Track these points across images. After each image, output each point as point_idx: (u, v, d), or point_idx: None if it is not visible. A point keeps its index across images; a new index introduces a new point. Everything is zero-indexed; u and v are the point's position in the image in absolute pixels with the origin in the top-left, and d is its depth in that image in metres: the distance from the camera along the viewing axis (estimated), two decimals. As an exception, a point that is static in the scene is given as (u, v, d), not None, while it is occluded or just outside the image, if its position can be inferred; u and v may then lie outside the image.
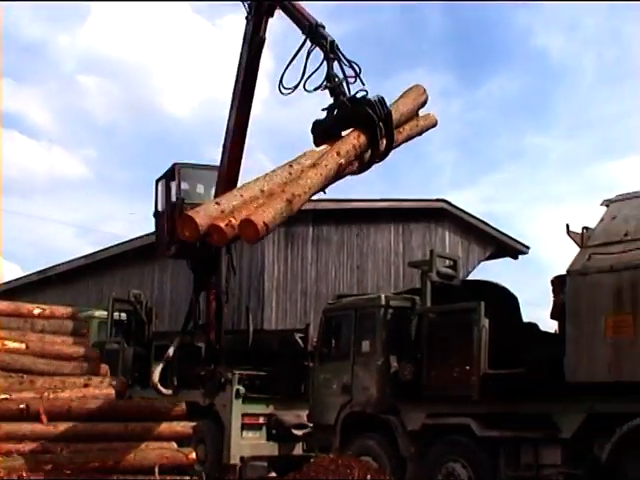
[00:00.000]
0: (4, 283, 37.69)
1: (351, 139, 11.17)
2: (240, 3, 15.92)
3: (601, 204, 13.07)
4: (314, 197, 10.79)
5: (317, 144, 11.45)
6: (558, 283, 12.66)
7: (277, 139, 64.05)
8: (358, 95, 11.70)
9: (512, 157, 61.51)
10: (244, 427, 17.48)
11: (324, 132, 11.57)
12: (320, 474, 11.52)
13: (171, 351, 18.60)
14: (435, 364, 13.80)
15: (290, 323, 24.73)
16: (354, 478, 11.32)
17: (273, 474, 17.80)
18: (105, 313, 22.23)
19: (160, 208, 20.48)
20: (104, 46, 64.23)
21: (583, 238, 12.57)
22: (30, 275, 36.90)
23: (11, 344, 13.56)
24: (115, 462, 12.18)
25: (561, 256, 14.29)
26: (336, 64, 12.09)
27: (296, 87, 12.10)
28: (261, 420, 17.75)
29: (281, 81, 12.31)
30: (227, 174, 17.46)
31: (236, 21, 58.40)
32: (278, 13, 14.87)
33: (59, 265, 34.67)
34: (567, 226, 12.71)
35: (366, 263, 27.99)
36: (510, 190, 60.06)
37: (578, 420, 11.87)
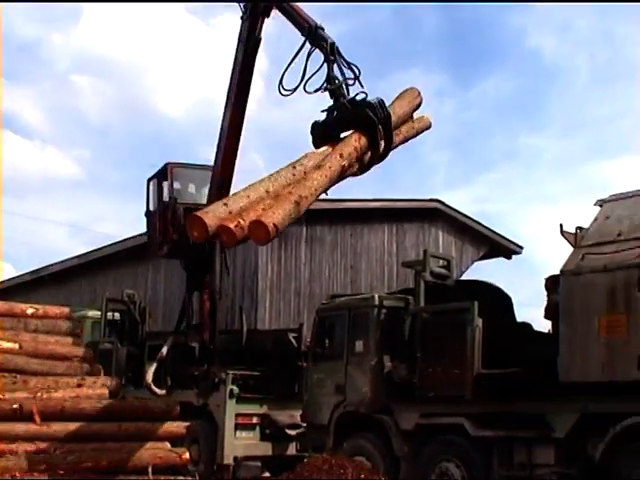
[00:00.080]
0: (-3, 283, 37.66)
1: (352, 141, 11.23)
2: (234, 3, 15.93)
3: (594, 204, 13.09)
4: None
5: (316, 145, 11.52)
6: (552, 283, 12.67)
7: (271, 139, 64.15)
8: (358, 97, 11.76)
9: (506, 157, 61.65)
10: (238, 427, 17.46)
11: (323, 133, 11.62)
12: (313, 474, 11.52)
13: (164, 350, 18.58)
14: (429, 364, 13.80)
15: (284, 323, 24.73)
16: (347, 478, 11.32)
17: (267, 474, 17.78)
18: (98, 313, 22.20)
19: (152, 207, 20.44)
20: (98, 46, 64.24)
21: (577, 238, 12.58)
22: (23, 275, 36.87)
23: (4, 344, 13.56)
24: (108, 462, 12.18)
25: (555, 256, 14.33)
26: (335, 65, 12.13)
27: (296, 89, 12.13)
28: (255, 420, 17.73)
29: (281, 82, 12.32)
30: (221, 174, 17.45)
31: (230, 21, 58.49)
32: (274, 13, 14.87)
33: (52, 265, 34.66)
34: (561, 226, 12.73)
35: (360, 263, 27.99)
36: (504, 190, 60.21)
37: (572, 420, 11.88)
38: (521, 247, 32.91)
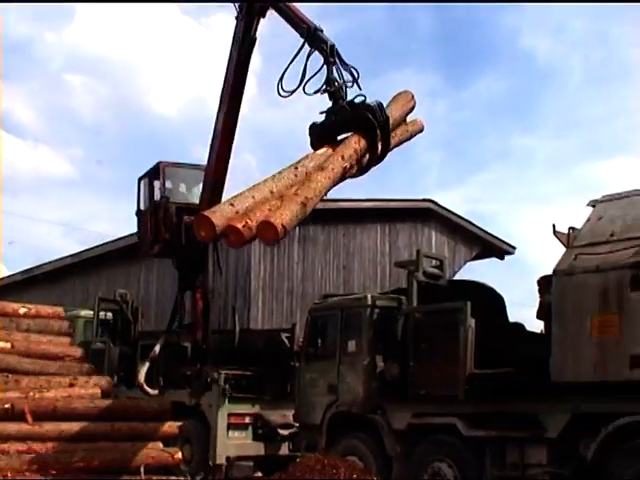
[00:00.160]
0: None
1: (352, 143, 11.35)
2: (229, 3, 15.91)
3: (587, 204, 13.11)
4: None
5: (314, 146, 11.62)
6: (544, 283, 12.71)
7: (264, 139, 64.09)
8: (357, 100, 11.84)
9: (499, 157, 61.67)
10: (230, 427, 17.45)
11: (321, 135, 11.69)
12: (306, 474, 11.52)
13: (156, 350, 18.56)
14: (421, 364, 13.80)
15: (276, 323, 24.72)
16: (340, 478, 11.32)
17: (259, 474, 17.77)
18: (91, 312, 22.18)
19: (143, 207, 20.39)
20: (91, 45, 64.22)
21: (569, 238, 12.60)
22: (15, 274, 36.79)
23: (-4, 343, 13.54)
24: (101, 462, 12.17)
25: (547, 256, 14.36)
26: (334, 67, 12.19)
27: (295, 90, 12.18)
28: (247, 420, 17.72)
29: (281, 84, 12.34)
30: (214, 174, 17.42)
31: (223, 20, 58.44)
32: (269, 12, 14.86)
33: (45, 264, 34.60)
34: (553, 226, 12.75)
35: (352, 263, 28.00)
36: (496, 190, 60.23)
37: (564, 420, 11.89)
38: (514, 247, 32.96)
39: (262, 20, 15.52)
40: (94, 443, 12.53)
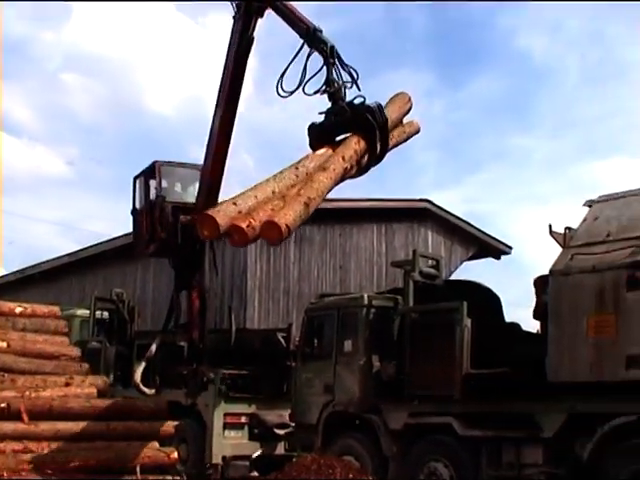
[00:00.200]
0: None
1: (352, 144, 11.39)
2: (227, 2, 15.88)
3: (584, 205, 13.12)
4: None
5: (313, 147, 11.65)
6: (541, 283, 12.70)
7: (260, 138, 64.03)
8: (356, 101, 11.89)
9: (495, 157, 61.66)
10: (226, 426, 17.47)
11: (320, 135, 11.73)
12: (302, 474, 11.51)
13: (152, 349, 18.56)
14: (417, 364, 13.82)
15: (272, 322, 24.71)
16: (336, 478, 11.31)
17: (255, 474, 17.77)
18: (87, 312, 22.20)
19: (138, 206, 20.38)
20: (88, 44, 64.13)
21: (566, 238, 12.61)
22: (12, 274, 36.75)
23: (-8, 343, 13.51)
24: (97, 461, 12.13)
25: (544, 256, 14.35)
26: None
27: (295, 91, 12.22)
28: (243, 419, 17.73)
29: (281, 84, 12.37)
30: (211, 174, 17.40)
31: (219, 19, 58.27)
32: (268, 12, 14.85)
33: (41, 263, 34.58)
34: (550, 226, 12.75)
35: (349, 263, 27.98)
36: (493, 190, 60.23)
37: (560, 420, 11.91)
38: (510, 247, 32.94)
39: (259, 19, 15.52)
40: (90, 442, 12.50)
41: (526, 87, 59.93)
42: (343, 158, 11.04)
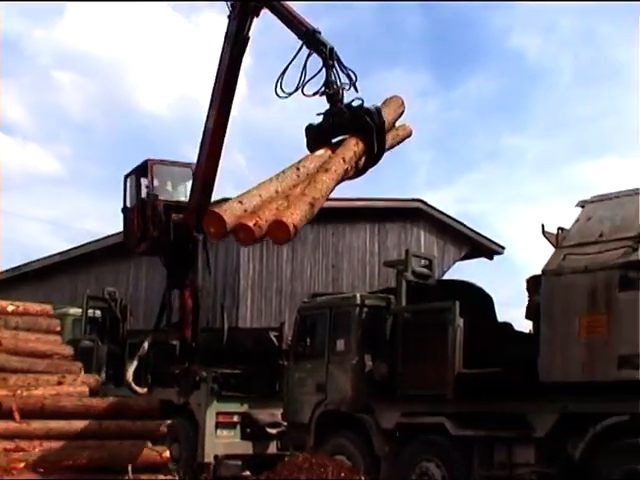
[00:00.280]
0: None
1: (351, 146, 11.54)
2: (221, 1, 15.89)
3: (576, 205, 13.14)
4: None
5: (310, 147, 11.74)
6: (533, 283, 12.72)
7: (253, 137, 64.00)
8: (354, 103, 12.00)
9: (488, 157, 61.73)
10: (218, 425, 17.45)
11: (318, 136, 11.81)
12: (294, 473, 11.50)
13: (145, 347, 18.55)
14: (410, 363, 13.83)
15: (265, 321, 24.69)
16: (328, 477, 11.31)
17: (247, 473, 17.77)
18: (79, 310, 22.14)
19: (129, 204, 20.36)
20: (80, 42, 63.95)
21: (558, 239, 12.63)
22: (4, 272, 36.65)
23: (-16, 341, 13.48)
24: (89, 460, 12.11)
25: (536, 256, 14.36)
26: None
27: (294, 92, 12.29)
28: (235, 419, 17.73)
29: (281, 85, 12.43)
30: (204, 173, 17.43)
31: (213, 18, 58.29)
32: (263, 12, 14.87)
33: (33, 262, 34.51)
34: (542, 226, 12.77)
35: (341, 262, 27.98)
36: (486, 190, 60.29)
37: (552, 419, 11.93)
38: (503, 247, 32.97)
39: (255, 19, 15.53)
40: (82, 441, 12.48)
41: (519, 87, 60.14)
42: (343, 159, 11.16)
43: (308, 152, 11.75)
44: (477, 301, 14.47)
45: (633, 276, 11.21)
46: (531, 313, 12.76)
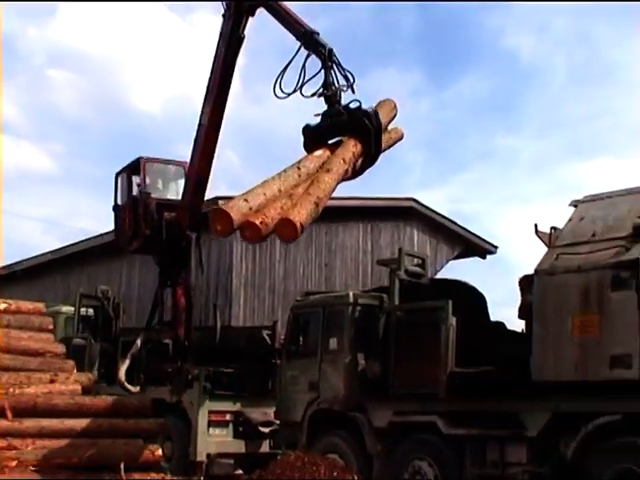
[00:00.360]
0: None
1: (350, 147, 11.66)
2: (217, 1, 15.90)
3: (569, 205, 13.16)
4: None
5: (307, 148, 11.80)
6: (526, 283, 12.72)
7: (246, 136, 63.96)
8: (352, 105, 12.10)
9: (482, 157, 61.71)
10: (211, 424, 17.46)
11: (315, 137, 11.87)
12: (286, 471, 11.49)
13: (137, 344, 18.54)
14: (402, 362, 13.83)
15: (258, 320, 24.69)
16: (320, 476, 11.31)
17: (239, 471, 17.77)
18: (72, 309, 22.13)
19: (120, 202, 20.33)
20: (74, 40, 63.91)
21: (551, 238, 12.66)
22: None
23: (-24, 339, 13.47)
24: (81, 458, 12.11)
25: (529, 256, 14.38)
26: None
27: (293, 92, 12.34)
28: (228, 417, 17.74)
29: (280, 85, 12.48)
30: (198, 171, 17.44)
31: (207, 17, 58.19)
32: (259, 11, 14.88)
33: (26, 260, 34.45)
34: (535, 226, 12.80)
35: (334, 261, 27.99)
36: (479, 190, 60.29)
37: (544, 419, 11.94)
38: (496, 247, 33.02)
39: (250, 18, 15.54)
40: (74, 440, 12.48)
41: (513, 87, 60.15)
42: (343, 160, 11.28)
43: (304, 151, 11.81)
44: (470, 300, 14.47)
45: (625, 276, 11.22)
46: (524, 312, 12.77)
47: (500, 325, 14.47)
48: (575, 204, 13.10)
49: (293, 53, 12.76)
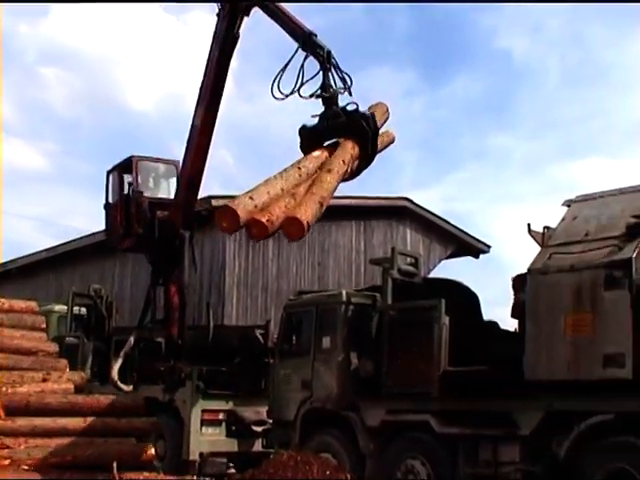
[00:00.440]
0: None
1: (348, 149, 11.80)
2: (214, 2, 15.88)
3: (562, 204, 13.19)
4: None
5: (303, 148, 11.86)
6: (519, 282, 12.74)
7: (239, 134, 63.93)
8: (349, 107, 12.19)
9: (475, 157, 61.75)
10: (204, 423, 17.44)
11: (312, 137, 11.97)
12: (279, 470, 11.48)
13: (130, 343, 18.52)
14: (395, 361, 13.83)
15: (251, 319, 24.69)
16: (313, 475, 11.31)
17: (232, 470, 17.76)
18: (65, 307, 22.12)
19: (111, 200, 20.28)
20: (66, 38, 63.87)
21: (544, 237, 12.68)
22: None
23: (-31, 338, 13.45)
24: (73, 457, 12.11)
25: (522, 255, 14.40)
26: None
27: (291, 94, 12.40)
28: (221, 416, 17.72)
29: (278, 86, 12.53)
30: (191, 171, 17.40)
31: (201, 16, 58.16)
32: (254, 11, 14.86)
33: (19, 259, 34.38)
34: (528, 225, 12.82)
35: (327, 260, 28.00)
36: (472, 189, 60.30)
37: (537, 418, 11.95)
38: (489, 246, 33.04)
39: (245, 18, 15.52)
40: (67, 439, 12.48)
41: (506, 87, 60.23)
42: (343, 161, 11.38)
43: (298, 151, 11.94)
44: (463, 299, 14.48)
45: (618, 275, 11.24)
46: (517, 312, 12.78)
47: (493, 324, 14.48)
48: (568, 204, 13.12)
49: (290, 54, 12.82)
